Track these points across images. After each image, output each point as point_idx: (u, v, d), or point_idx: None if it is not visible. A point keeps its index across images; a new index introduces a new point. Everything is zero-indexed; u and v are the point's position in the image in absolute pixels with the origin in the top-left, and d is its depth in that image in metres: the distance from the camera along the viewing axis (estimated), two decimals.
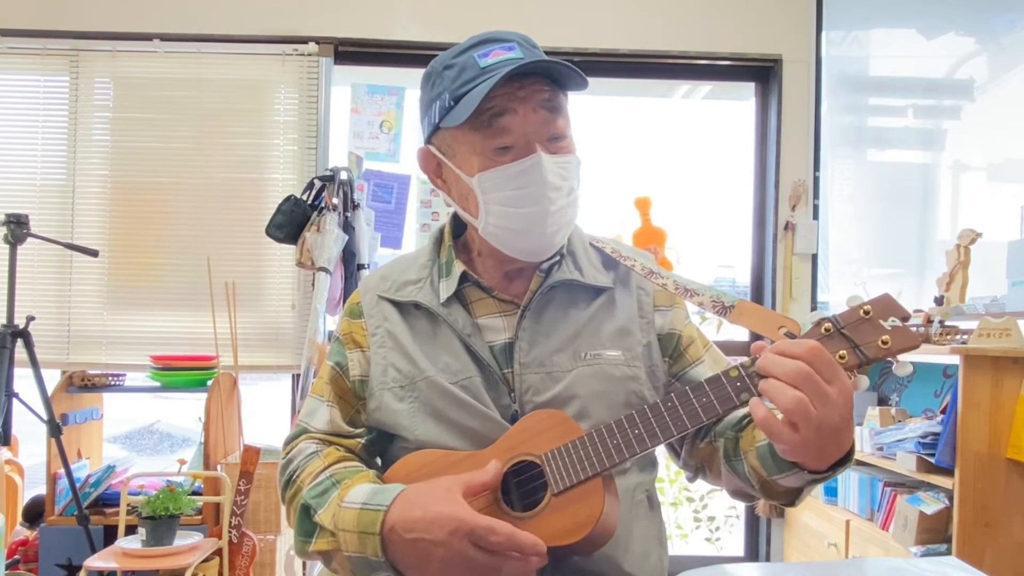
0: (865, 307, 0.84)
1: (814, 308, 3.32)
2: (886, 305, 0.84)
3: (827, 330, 0.85)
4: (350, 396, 1.12)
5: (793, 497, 0.99)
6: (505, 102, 1.00)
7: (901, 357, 0.83)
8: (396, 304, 1.11)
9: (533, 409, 1.02)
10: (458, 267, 1.10)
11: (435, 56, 1.08)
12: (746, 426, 1.04)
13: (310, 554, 0.99)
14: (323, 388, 1.13)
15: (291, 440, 1.13)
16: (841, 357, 0.83)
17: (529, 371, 1.04)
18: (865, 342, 0.83)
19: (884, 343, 0.82)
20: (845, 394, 0.81)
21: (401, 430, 1.06)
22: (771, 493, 1.00)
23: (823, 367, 0.80)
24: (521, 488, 0.97)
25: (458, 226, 1.18)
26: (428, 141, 1.10)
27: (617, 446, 0.91)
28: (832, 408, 0.80)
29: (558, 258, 1.10)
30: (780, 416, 0.82)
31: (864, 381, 0.85)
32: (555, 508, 0.92)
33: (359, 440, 1.12)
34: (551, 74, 1.02)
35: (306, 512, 1.00)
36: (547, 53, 1.06)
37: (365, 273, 2.98)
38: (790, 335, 0.88)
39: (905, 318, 0.83)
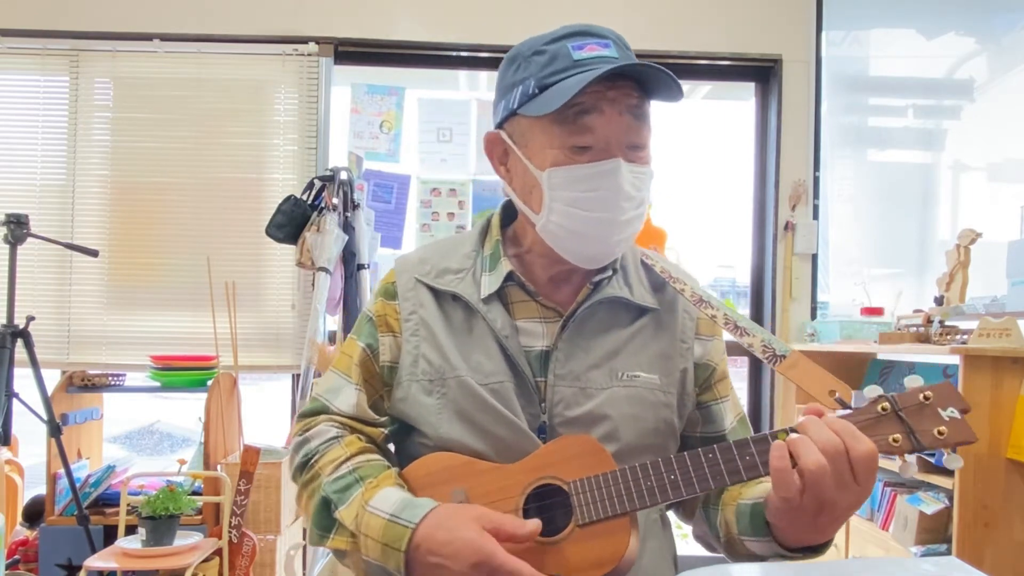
0: (926, 393, 0.83)
1: (814, 307, 3.32)
2: (947, 394, 0.83)
3: (883, 409, 0.84)
4: (376, 381, 1.08)
5: (752, 560, 0.98)
6: (594, 100, 0.95)
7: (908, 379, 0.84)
8: (433, 291, 1.07)
9: (562, 423, 1.00)
10: (505, 265, 1.05)
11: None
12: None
13: (323, 547, 0.98)
14: (351, 367, 1.08)
15: (308, 415, 1.09)
16: (895, 440, 0.82)
17: (563, 384, 1.01)
18: (921, 429, 0.82)
19: (940, 434, 0.81)
20: (860, 497, 0.81)
21: (424, 425, 1.02)
22: (733, 552, 1.00)
23: (859, 460, 0.80)
24: (544, 511, 0.94)
25: (505, 218, 1.13)
26: (499, 126, 1.05)
27: (651, 489, 0.89)
28: (844, 497, 0.80)
29: (610, 272, 1.06)
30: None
31: (913, 468, 0.85)
32: (578, 539, 0.90)
33: (382, 430, 1.09)
34: (642, 81, 0.98)
35: (326, 506, 0.97)
36: None
37: (365, 273, 2.98)
38: (841, 400, 0.88)
39: (964, 410, 0.83)
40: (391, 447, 1.13)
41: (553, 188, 0.98)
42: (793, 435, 0.82)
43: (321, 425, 1.06)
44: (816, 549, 0.91)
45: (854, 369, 2.99)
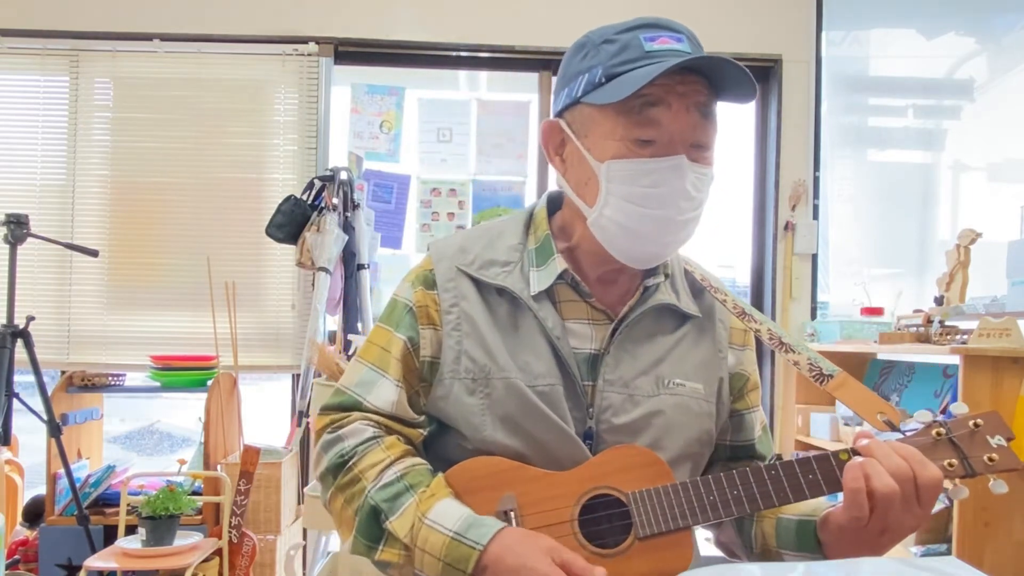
0: (977, 420, 0.88)
1: (814, 307, 3.32)
2: (995, 423, 0.89)
3: (938, 435, 0.89)
4: (414, 377, 1.02)
5: None
6: (662, 93, 0.92)
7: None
8: (477, 283, 1.01)
9: (608, 430, 0.98)
10: (560, 262, 1.01)
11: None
12: None
13: (370, 558, 0.92)
14: (388, 362, 1.01)
15: (337, 409, 1.02)
16: (950, 465, 0.87)
17: (612, 389, 0.98)
18: (973, 455, 0.87)
19: (991, 460, 0.87)
20: (921, 520, 0.84)
21: (465, 427, 0.97)
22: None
23: (925, 485, 0.82)
24: (599, 522, 0.92)
25: (552, 209, 1.08)
26: (559, 114, 1.01)
27: (713, 504, 0.89)
28: (908, 520, 0.83)
29: (663, 276, 1.04)
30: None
31: (965, 492, 0.88)
32: (639, 552, 0.89)
33: (421, 431, 1.03)
34: (713, 80, 0.95)
35: (375, 515, 0.92)
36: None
37: (365, 273, 2.98)
38: (889, 423, 0.91)
39: (1010, 438, 0.88)
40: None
41: (611, 181, 0.94)
42: (858, 458, 0.85)
43: (356, 423, 0.99)
44: None
45: (854, 369, 2.99)
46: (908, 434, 0.90)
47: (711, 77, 0.94)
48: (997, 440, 0.87)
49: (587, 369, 1.00)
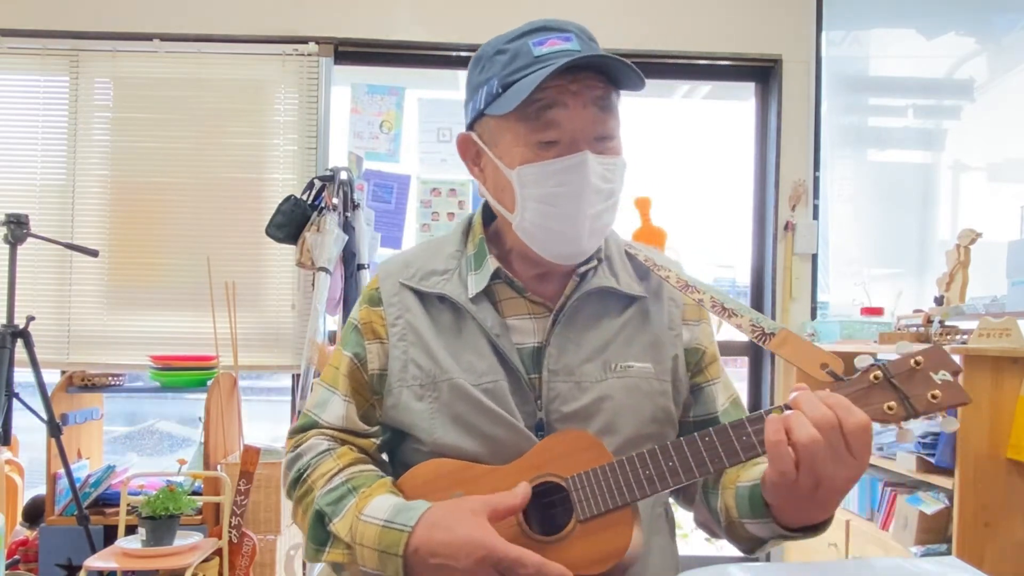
0: (917, 358, 0.83)
1: (814, 307, 3.32)
2: (938, 358, 0.83)
3: (876, 378, 0.84)
4: (366, 391, 1.06)
5: (754, 546, 0.98)
6: (556, 95, 0.94)
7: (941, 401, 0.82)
8: (419, 294, 1.05)
9: (559, 419, 0.99)
10: (492, 262, 1.04)
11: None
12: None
13: (319, 561, 0.96)
14: (338, 379, 1.07)
15: (298, 432, 1.08)
16: (889, 408, 0.82)
17: (558, 379, 1.00)
18: (915, 394, 0.82)
19: (934, 397, 0.81)
20: (857, 471, 0.81)
21: (418, 431, 1.01)
22: (735, 536, 0.99)
23: (853, 432, 0.79)
24: (543, 510, 0.94)
25: (487, 216, 1.12)
26: (470, 127, 1.05)
27: (650, 477, 0.88)
28: (841, 472, 0.80)
29: (595, 263, 1.05)
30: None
31: (912, 434, 0.84)
32: (581, 535, 0.89)
33: (374, 440, 1.07)
34: (607, 71, 0.96)
35: (320, 519, 0.96)
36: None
37: (365, 273, 2.98)
38: (832, 373, 0.87)
39: (956, 372, 0.82)
40: (384, 457, 1.12)
41: (524, 186, 0.98)
42: (787, 411, 0.82)
43: (312, 439, 1.05)
44: (817, 528, 0.90)
45: (854, 369, 2.98)
46: (838, 375, 0.86)
47: (606, 71, 0.97)
48: (942, 376, 0.81)
49: (532, 362, 1.02)
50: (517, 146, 0.97)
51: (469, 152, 1.06)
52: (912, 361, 0.83)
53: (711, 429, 0.87)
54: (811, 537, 0.92)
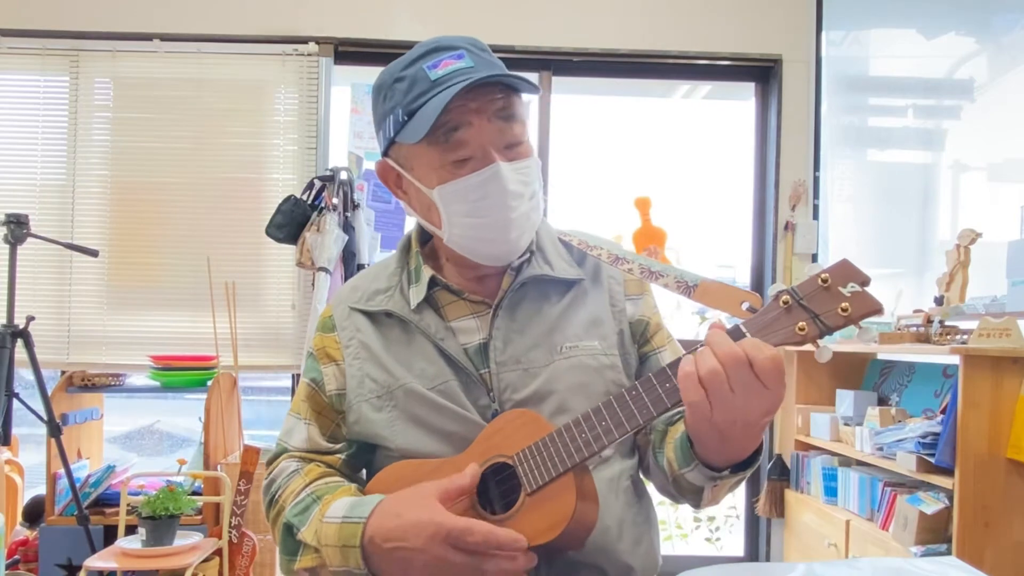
0: (823, 275, 0.83)
1: None
2: (844, 271, 0.82)
3: (785, 303, 0.84)
4: (328, 411, 1.12)
5: (697, 499, 1.01)
6: (460, 116, 0.99)
7: (864, 323, 0.82)
8: (367, 314, 1.11)
9: (513, 406, 1.02)
10: (426, 272, 1.09)
11: None
12: (677, 420, 1.06)
13: (297, 572, 1.00)
14: (299, 406, 1.13)
15: (272, 460, 1.14)
16: (801, 329, 0.82)
17: (506, 369, 1.04)
18: (825, 311, 0.82)
19: (844, 310, 0.81)
20: (773, 402, 0.82)
21: (382, 440, 1.06)
22: (680, 490, 1.02)
23: (763, 366, 0.80)
24: (499, 489, 0.96)
25: (424, 233, 1.17)
26: (385, 154, 1.09)
27: (586, 440, 0.90)
28: (757, 404, 0.82)
29: (528, 255, 1.10)
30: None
31: (827, 352, 0.84)
32: (530, 508, 0.92)
33: (339, 456, 1.11)
34: (503, 80, 1.00)
35: (289, 531, 1.01)
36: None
37: None
38: (752, 308, 0.89)
39: (864, 282, 0.82)
40: (363, 474, 1.16)
41: (447, 204, 1.02)
42: (680, 371, 0.84)
43: (283, 463, 1.11)
44: (744, 466, 0.93)
45: (854, 369, 2.99)
46: (757, 310, 0.87)
47: (501, 80, 1.00)
48: (851, 288, 0.81)
49: (480, 358, 1.06)
50: (433, 169, 1.02)
51: (390, 177, 1.11)
52: (819, 279, 0.83)
53: (636, 382, 0.90)
54: (741, 476, 0.95)
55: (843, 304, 0.81)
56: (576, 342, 1.06)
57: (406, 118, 1.01)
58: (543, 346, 1.05)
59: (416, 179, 1.05)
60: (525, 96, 1.06)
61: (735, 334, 0.85)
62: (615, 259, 1.09)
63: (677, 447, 0.98)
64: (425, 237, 1.17)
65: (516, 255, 1.07)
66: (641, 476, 1.15)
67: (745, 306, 0.90)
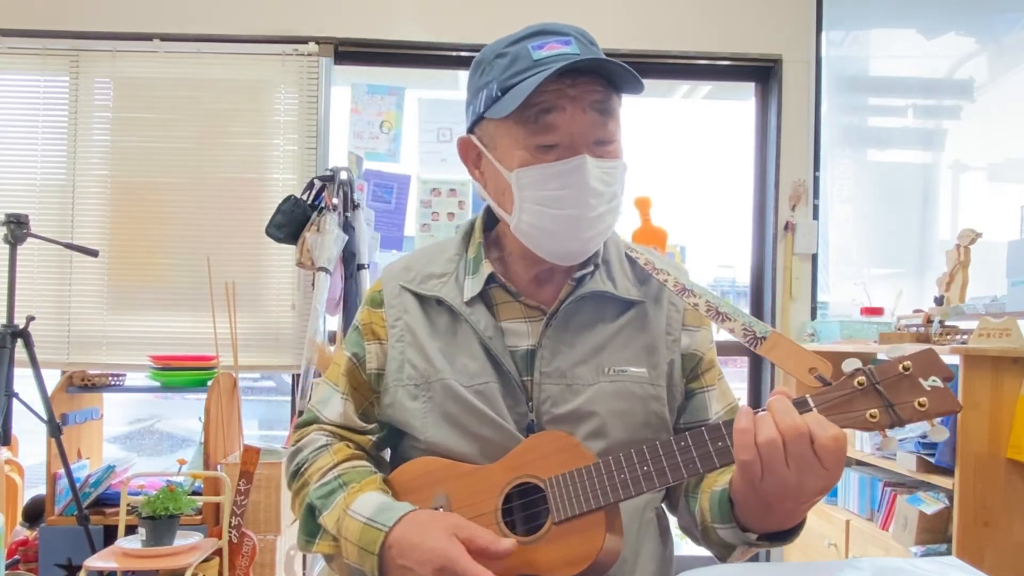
0: (905, 363, 0.78)
1: (814, 307, 3.32)
2: (928, 362, 0.78)
3: (860, 384, 0.79)
4: (365, 389, 1.09)
5: (726, 553, 0.98)
6: (555, 99, 0.95)
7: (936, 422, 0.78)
8: (418, 297, 1.08)
9: (550, 421, 0.99)
10: (486, 267, 1.05)
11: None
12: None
13: (309, 551, 1.00)
14: (339, 377, 1.10)
15: (302, 426, 1.12)
16: (872, 416, 0.78)
17: (549, 381, 1.01)
18: (901, 402, 0.77)
19: (921, 405, 0.76)
20: (828, 482, 0.78)
21: (412, 429, 1.03)
22: (708, 541, 0.99)
23: (825, 446, 0.76)
24: (525, 509, 0.94)
25: (489, 221, 1.13)
26: (471, 130, 1.06)
27: (624, 482, 0.87)
28: (811, 482, 0.78)
29: (592, 267, 1.05)
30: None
31: (893, 442, 0.80)
32: (555, 537, 0.90)
33: (370, 437, 1.10)
34: (606, 74, 0.97)
35: (311, 512, 1.00)
36: None
37: (365, 274, 2.98)
38: (821, 377, 0.84)
39: (948, 378, 0.78)
40: (388, 452, 1.15)
41: (522, 188, 0.99)
42: (735, 430, 0.80)
43: (312, 434, 1.09)
44: (784, 537, 0.90)
45: None
46: (827, 381, 0.82)
47: (605, 74, 0.97)
48: (931, 382, 0.76)
49: (525, 365, 1.03)
50: (516, 149, 0.98)
51: (469, 155, 1.07)
52: (900, 366, 0.78)
53: (687, 433, 0.87)
54: (778, 546, 0.92)
55: (921, 399, 0.77)
56: (625, 366, 1.02)
57: (499, 94, 0.98)
58: (590, 364, 1.01)
59: (496, 159, 1.01)
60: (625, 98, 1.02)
61: (801, 405, 0.80)
62: (682, 289, 1.03)
63: (715, 502, 0.94)
64: (489, 225, 1.13)
65: (583, 257, 1.03)
66: (665, 509, 1.12)
67: (813, 373, 0.85)
